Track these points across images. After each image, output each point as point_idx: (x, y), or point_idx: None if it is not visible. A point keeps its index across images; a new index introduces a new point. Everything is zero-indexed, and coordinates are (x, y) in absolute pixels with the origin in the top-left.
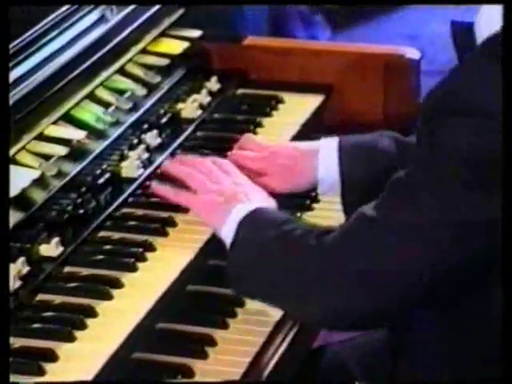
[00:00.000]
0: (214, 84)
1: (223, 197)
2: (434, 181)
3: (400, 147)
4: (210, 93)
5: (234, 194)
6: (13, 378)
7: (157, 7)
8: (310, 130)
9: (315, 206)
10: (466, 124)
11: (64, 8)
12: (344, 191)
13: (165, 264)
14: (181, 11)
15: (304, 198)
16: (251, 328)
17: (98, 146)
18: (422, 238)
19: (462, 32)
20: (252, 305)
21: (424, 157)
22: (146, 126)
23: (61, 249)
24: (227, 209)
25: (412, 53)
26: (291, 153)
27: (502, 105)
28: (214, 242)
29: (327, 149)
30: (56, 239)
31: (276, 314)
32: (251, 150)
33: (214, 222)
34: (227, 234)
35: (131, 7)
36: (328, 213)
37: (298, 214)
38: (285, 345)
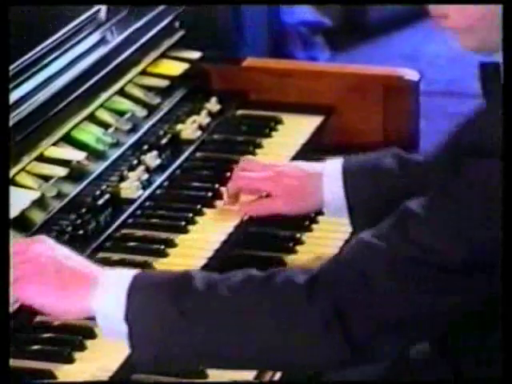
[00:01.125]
0: (213, 105)
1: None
2: (453, 217)
3: (403, 164)
4: (210, 114)
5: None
6: None
7: (156, 29)
8: (309, 151)
9: (314, 226)
10: (492, 165)
11: (65, 30)
12: (351, 214)
13: None
14: (181, 33)
15: (303, 219)
16: None
17: (97, 167)
18: (433, 284)
19: (490, 72)
20: None
21: (447, 193)
22: (145, 146)
23: None
24: (88, 279)
25: (411, 74)
26: (297, 174)
27: None
28: (213, 264)
29: (331, 172)
30: None
31: None
32: (253, 171)
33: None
34: (109, 306)
35: (131, 29)
36: (327, 233)
37: (298, 235)
38: None
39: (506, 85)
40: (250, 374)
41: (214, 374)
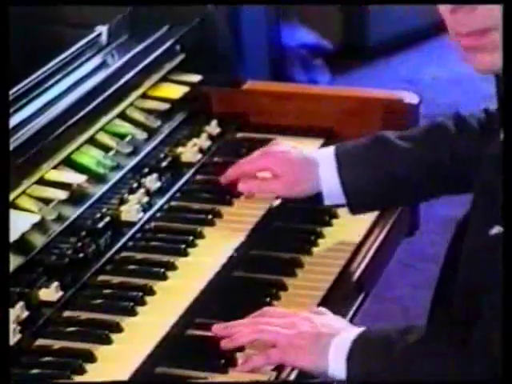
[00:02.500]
0: (213, 128)
1: (310, 335)
2: None
3: (393, 147)
4: (210, 137)
5: (321, 328)
6: None
7: (157, 52)
8: None
9: (314, 249)
10: None
11: (66, 54)
12: (349, 200)
13: (164, 308)
14: (181, 56)
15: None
16: None
17: (98, 190)
18: None
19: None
20: None
21: None
22: (146, 169)
23: (60, 293)
24: (324, 343)
25: (411, 97)
26: (296, 158)
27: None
28: (213, 287)
29: (326, 161)
30: (55, 283)
31: None
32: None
33: (311, 360)
34: (335, 370)
35: (132, 53)
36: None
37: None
38: None
39: (505, 85)
40: None
41: None
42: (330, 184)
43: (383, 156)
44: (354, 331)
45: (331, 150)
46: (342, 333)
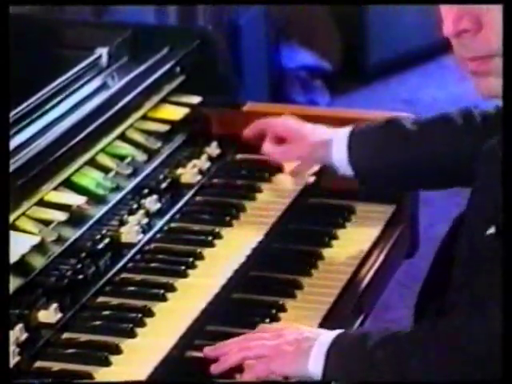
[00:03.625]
0: (213, 149)
1: (295, 340)
2: None
3: (403, 133)
4: (210, 158)
5: (307, 333)
6: None
7: (157, 74)
8: (309, 196)
9: (313, 271)
10: None
11: (66, 76)
12: (358, 176)
13: (164, 330)
14: (181, 78)
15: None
16: None
17: (97, 212)
18: None
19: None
20: None
21: None
22: (145, 191)
23: (59, 315)
24: (309, 345)
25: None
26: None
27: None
28: (213, 308)
29: (340, 139)
30: (55, 305)
31: None
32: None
33: (296, 364)
34: (314, 369)
35: (132, 75)
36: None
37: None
38: None
39: (505, 85)
40: None
41: None
42: (341, 161)
43: (391, 140)
44: (337, 331)
45: (347, 129)
46: (326, 333)
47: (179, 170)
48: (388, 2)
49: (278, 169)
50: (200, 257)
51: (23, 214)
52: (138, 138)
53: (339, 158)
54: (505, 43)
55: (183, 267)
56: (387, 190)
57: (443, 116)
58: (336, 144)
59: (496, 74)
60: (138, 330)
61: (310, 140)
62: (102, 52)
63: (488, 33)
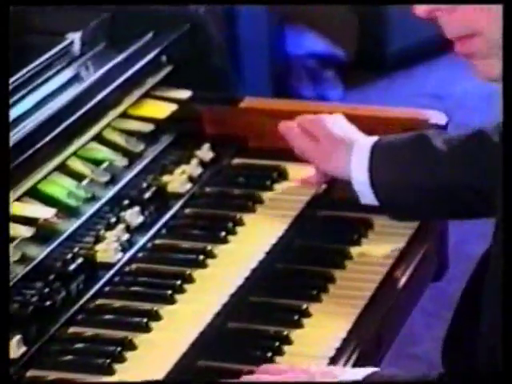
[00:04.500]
0: (205, 153)
1: None
2: None
3: (432, 152)
4: (202, 163)
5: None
6: None
7: (140, 64)
8: (318, 207)
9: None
10: None
11: (32, 65)
12: (378, 198)
13: (147, 365)
14: (168, 69)
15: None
16: None
17: (69, 226)
18: None
19: None
20: None
21: None
22: (126, 201)
23: (23, 349)
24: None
25: (437, 117)
26: (337, 133)
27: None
28: (205, 338)
29: (360, 150)
30: (17, 337)
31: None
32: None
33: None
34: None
35: (110, 64)
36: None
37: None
38: None
39: (505, 86)
40: None
41: None
42: (358, 175)
43: (419, 160)
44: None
45: (370, 140)
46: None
47: (165, 177)
48: (389, 3)
49: (282, 175)
50: (189, 279)
51: None
52: (117, 139)
53: (357, 169)
54: (505, 43)
55: (170, 291)
56: (409, 217)
57: (480, 133)
58: (356, 152)
59: (483, 55)
60: (117, 366)
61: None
62: (74, 37)
63: (464, 11)
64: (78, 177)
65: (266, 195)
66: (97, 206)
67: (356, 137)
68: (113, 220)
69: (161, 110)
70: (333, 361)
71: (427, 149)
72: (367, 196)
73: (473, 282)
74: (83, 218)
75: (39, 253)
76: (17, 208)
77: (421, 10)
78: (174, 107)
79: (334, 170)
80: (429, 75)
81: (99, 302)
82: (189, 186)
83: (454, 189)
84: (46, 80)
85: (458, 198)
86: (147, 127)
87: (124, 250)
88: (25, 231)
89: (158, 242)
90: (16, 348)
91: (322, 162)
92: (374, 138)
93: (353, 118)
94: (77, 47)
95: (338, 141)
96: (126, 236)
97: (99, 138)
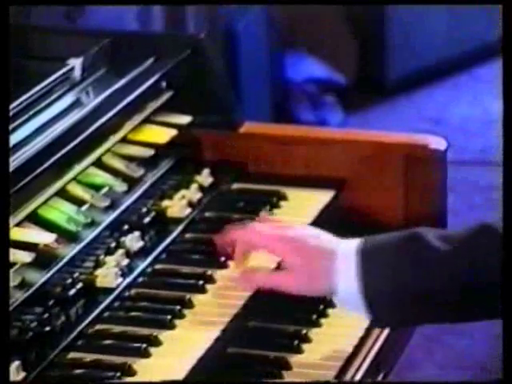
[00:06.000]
0: (205, 178)
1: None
2: None
3: (429, 252)
4: (201, 188)
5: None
6: None
7: (140, 90)
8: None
9: (323, 320)
10: None
11: (32, 91)
12: (371, 308)
13: None
14: (168, 94)
15: (310, 313)
16: None
17: (68, 251)
18: None
19: None
20: None
21: None
22: (125, 227)
23: (22, 374)
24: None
25: (437, 142)
26: (314, 249)
27: None
28: (204, 364)
29: (345, 256)
30: (16, 363)
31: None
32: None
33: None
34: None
35: (109, 91)
36: (338, 329)
37: (304, 331)
38: None
39: (504, 86)
40: None
41: None
42: (346, 286)
43: (415, 262)
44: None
45: (354, 243)
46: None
47: (165, 202)
48: (389, 3)
49: (282, 200)
50: (189, 304)
51: None
52: (117, 164)
53: (344, 279)
54: (505, 43)
55: (169, 317)
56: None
57: (483, 227)
58: (340, 261)
59: None
60: None
61: (312, 255)
62: (75, 63)
63: None
64: (77, 202)
65: None
66: (97, 231)
67: (333, 242)
68: (113, 245)
69: (161, 135)
70: None
71: (423, 249)
72: (355, 309)
73: None
74: (83, 243)
75: (39, 278)
76: (17, 233)
77: None
78: (173, 132)
79: (321, 289)
80: (429, 100)
81: (99, 327)
82: (188, 210)
83: (455, 292)
84: (47, 105)
85: (460, 300)
86: (147, 152)
87: (124, 274)
88: (25, 256)
89: (157, 266)
90: (15, 374)
91: (307, 288)
92: (356, 242)
93: (354, 144)
94: (77, 73)
95: (315, 253)
96: (125, 261)
97: (99, 163)
